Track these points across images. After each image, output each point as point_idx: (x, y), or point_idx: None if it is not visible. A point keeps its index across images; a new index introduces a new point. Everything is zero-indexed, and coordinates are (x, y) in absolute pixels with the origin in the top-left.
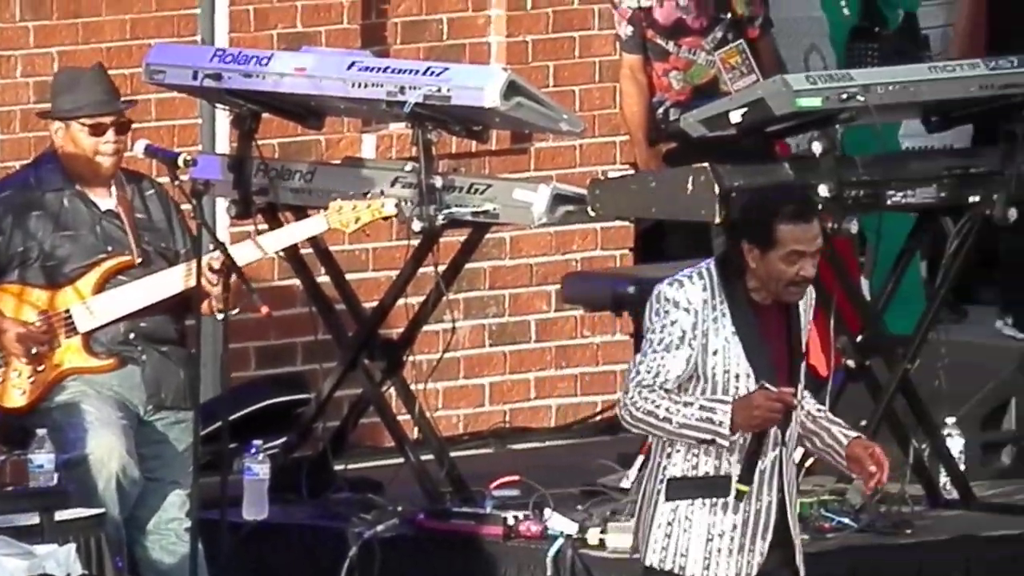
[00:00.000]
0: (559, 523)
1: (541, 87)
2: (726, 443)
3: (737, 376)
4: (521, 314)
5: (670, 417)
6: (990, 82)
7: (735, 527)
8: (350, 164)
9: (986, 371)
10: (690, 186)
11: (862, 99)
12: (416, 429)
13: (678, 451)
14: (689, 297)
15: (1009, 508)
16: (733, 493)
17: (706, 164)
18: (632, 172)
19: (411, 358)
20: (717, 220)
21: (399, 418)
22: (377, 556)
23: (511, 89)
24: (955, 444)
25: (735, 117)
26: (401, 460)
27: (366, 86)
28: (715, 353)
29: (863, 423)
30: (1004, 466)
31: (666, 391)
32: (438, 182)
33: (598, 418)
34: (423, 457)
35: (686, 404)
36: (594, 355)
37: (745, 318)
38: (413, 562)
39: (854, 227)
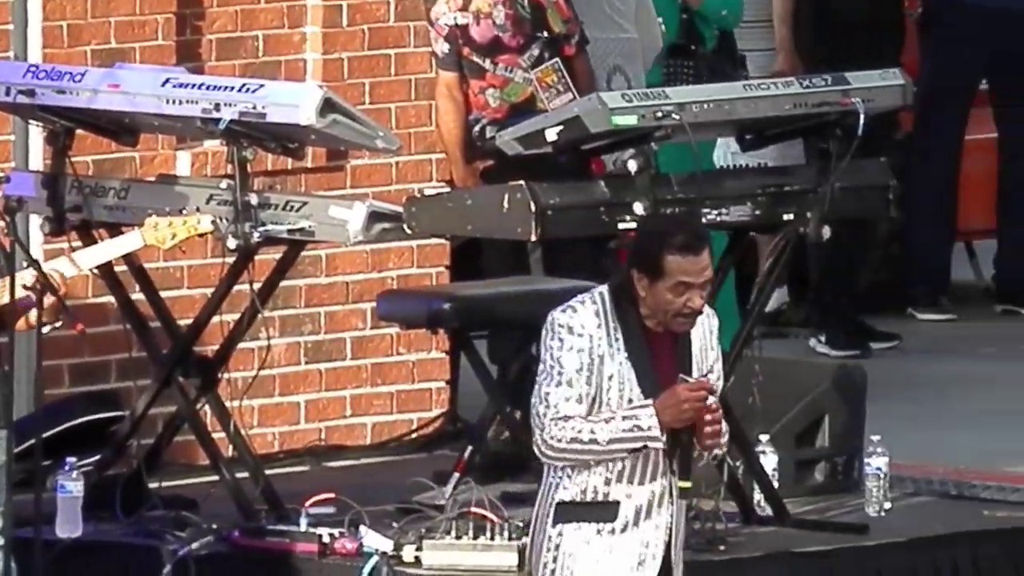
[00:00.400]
0: (374, 540)
1: (357, 104)
2: (658, 445)
3: (631, 401)
4: (337, 331)
5: (596, 437)
6: (804, 100)
7: (622, 553)
8: (165, 181)
9: (800, 389)
10: (506, 204)
11: (677, 117)
12: (231, 446)
13: (568, 475)
14: (582, 322)
15: (822, 524)
16: (676, 492)
17: (522, 182)
18: (448, 190)
19: (226, 375)
20: (533, 237)
21: (214, 435)
22: (192, 574)
23: (327, 106)
24: (769, 461)
25: (551, 135)
26: (216, 478)
27: (181, 103)
28: (611, 378)
29: None
30: (817, 483)
31: (582, 417)
32: (253, 199)
33: (414, 436)
34: (238, 474)
35: (607, 420)
36: (410, 373)
37: (637, 345)
38: None
39: None
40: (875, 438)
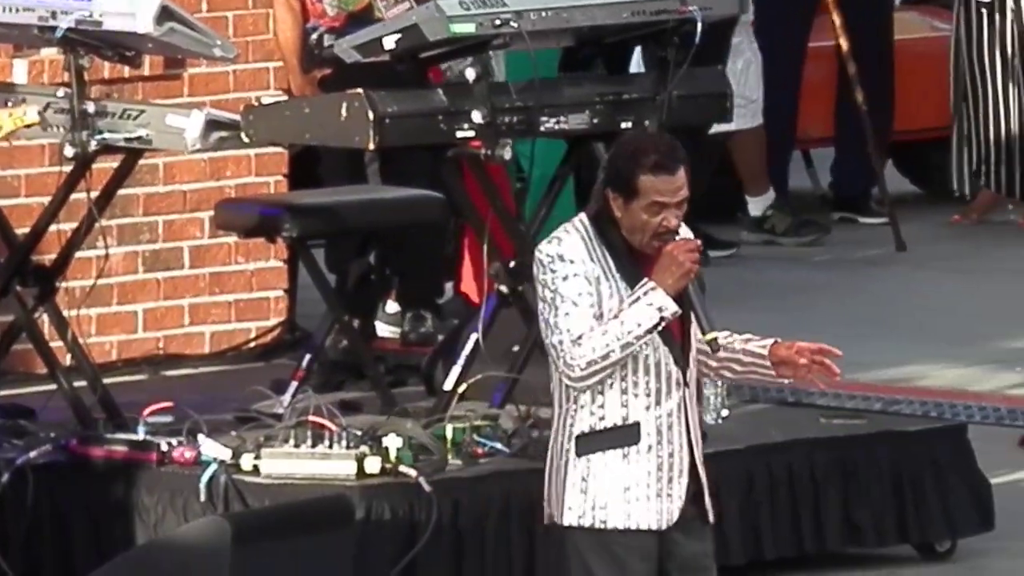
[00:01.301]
0: (212, 449)
1: (194, 13)
2: (674, 309)
3: None
4: (175, 240)
5: (616, 336)
6: (641, 8)
7: (650, 474)
8: (1, 89)
9: None
10: (344, 112)
11: (515, 25)
12: (69, 355)
13: (582, 406)
14: (573, 249)
15: None
16: (696, 352)
17: (360, 90)
18: (286, 98)
19: (64, 284)
20: (371, 146)
21: (52, 344)
22: (30, 482)
23: (164, 14)
24: None
25: (389, 43)
26: (54, 387)
27: (17, 11)
28: (611, 298)
29: (515, 348)
30: None
31: (591, 329)
32: (90, 108)
33: (252, 344)
34: (76, 384)
35: (615, 318)
36: (248, 282)
37: (627, 265)
38: (66, 488)
39: (508, 153)
40: None
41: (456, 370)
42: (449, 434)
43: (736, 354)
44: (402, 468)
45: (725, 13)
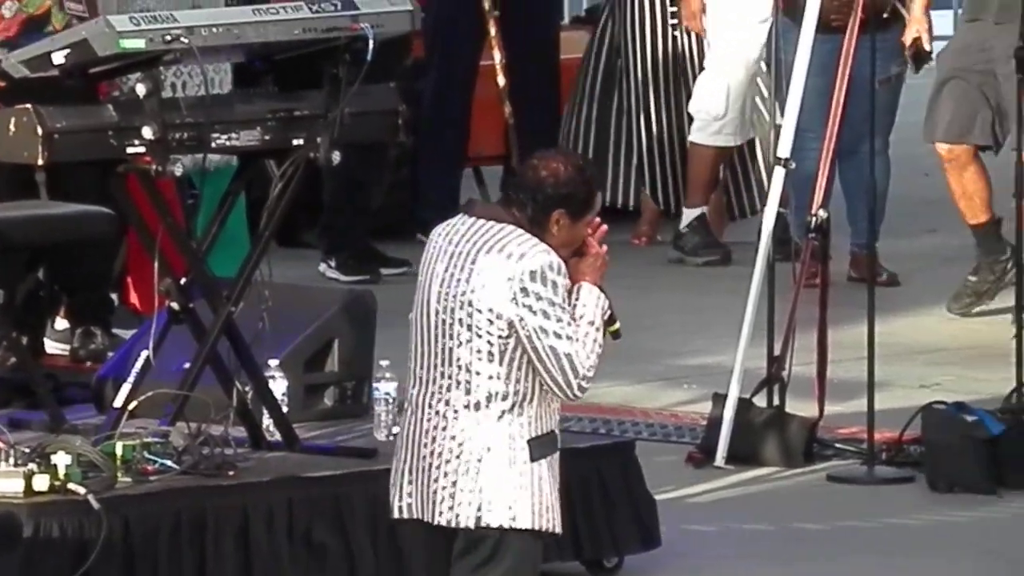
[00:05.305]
0: None
1: None
2: (609, 302)
3: None
4: None
5: (593, 337)
6: (313, 25)
7: (556, 479)
8: None
9: (309, 314)
10: (12, 128)
11: (186, 41)
12: None
13: (528, 414)
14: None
15: (331, 449)
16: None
17: (28, 105)
18: None
19: None
20: (40, 161)
21: None
22: None
23: None
24: (278, 386)
25: (58, 58)
26: None
27: None
28: None
29: (186, 365)
30: (326, 408)
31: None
32: None
33: None
34: None
35: (579, 320)
36: None
37: None
38: None
39: (178, 169)
40: (384, 363)
41: (126, 387)
42: (119, 451)
43: None
44: (71, 485)
45: (397, 31)
